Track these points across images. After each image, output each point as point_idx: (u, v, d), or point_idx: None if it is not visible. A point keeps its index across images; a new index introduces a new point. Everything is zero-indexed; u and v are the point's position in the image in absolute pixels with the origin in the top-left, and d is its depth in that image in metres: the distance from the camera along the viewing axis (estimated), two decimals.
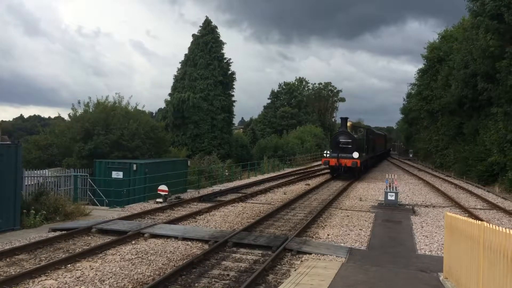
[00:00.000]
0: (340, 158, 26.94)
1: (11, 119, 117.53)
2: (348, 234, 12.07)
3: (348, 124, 29.55)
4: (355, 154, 26.65)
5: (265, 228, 12.68)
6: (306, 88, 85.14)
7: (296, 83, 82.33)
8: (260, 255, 9.74)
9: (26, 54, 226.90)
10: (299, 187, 23.95)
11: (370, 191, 22.50)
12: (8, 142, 13.77)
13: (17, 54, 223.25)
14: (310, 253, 9.75)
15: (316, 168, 38.66)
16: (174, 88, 47.46)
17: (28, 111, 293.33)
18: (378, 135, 43.67)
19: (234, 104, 49.59)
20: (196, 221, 13.59)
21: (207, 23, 48.12)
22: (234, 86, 49.83)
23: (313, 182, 26.95)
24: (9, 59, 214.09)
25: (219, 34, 48.37)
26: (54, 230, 11.71)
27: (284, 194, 20.84)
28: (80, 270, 8.26)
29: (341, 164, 26.95)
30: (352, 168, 26.98)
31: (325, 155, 28.13)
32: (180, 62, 48.50)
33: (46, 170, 19.17)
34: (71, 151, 23.49)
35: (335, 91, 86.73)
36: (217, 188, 22.98)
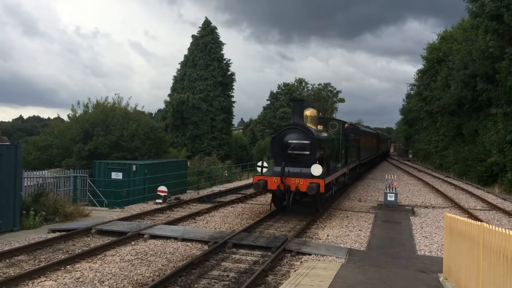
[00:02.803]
0: (287, 177, 13.54)
1: (10, 120, 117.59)
2: (348, 235, 12.07)
3: (308, 113, 16.08)
4: (316, 169, 13.43)
5: (264, 229, 12.67)
6: (305, 89, 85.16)
7: (296, 84, 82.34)
8: (259, 256, 9.73)
9: (24, 54, 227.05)
10: None
11: (370, 192, 22.49)
12: (7, 143, 13.75)
13: (15, 54, 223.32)
14: (310, 254, 9.75)
15: None
16: (173, 89, 47.51)
17: (27, 112, 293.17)
18: (366, 134, 31.08)
19: (233, 105, 49.65)
20: (195, 222, 13.59)
21: (207, 23, 48.17)
22: (233, 87, 49.89)
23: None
24: (8, 59, 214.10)
25: (218, 35, 48.46)
26: (54, 231, 11.70)
27: None
28: (79, 271, 8.25)
29: (289, 188, 13.47)
30: (311, 196, 13.95)
31: (258, 169, 14.72)
32: (179, 63, 48.57)
33: (46, 171, 19.17)
34: (71, 152, 23.50)
35: (334, 91, 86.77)
36: (216, 189, 22.97)
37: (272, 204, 15.22)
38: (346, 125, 19.44)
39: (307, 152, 14.05)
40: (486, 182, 28.12)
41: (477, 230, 6.08)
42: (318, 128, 16.36)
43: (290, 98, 19.76)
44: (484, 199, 20.45)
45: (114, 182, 19.45)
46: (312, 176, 13.36)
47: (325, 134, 16.29)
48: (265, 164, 14.46)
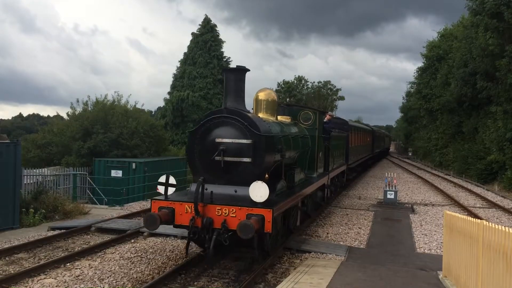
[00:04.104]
0: (209, 203, 7.58)
1: (9, 118, 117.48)
2: (347, 233, 12.07)
3: (263, 95, 10.12)
4: (258, 190, 7.50)
5: None
6: (305, 87, 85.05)
7: (295, 81, 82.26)
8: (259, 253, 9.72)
9: (23, 52, 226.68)
10: None
11: (369, 190, 22.50)
12: (7, 141, 13.75)
13: (13, 52, 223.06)
14: (310, 252, 9.75)
15: None
16: (173, 86, 47.49)
17: (26, 110, 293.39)
18: (357, 130, 25.18)
19: None
20: None
21: (207, 21, 48.13)
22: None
23: None
24: (6, 57, 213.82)
25: (218, 33, 48.41)
26: (53, 229, 11.71)
27: None
28: (79, 268, 8.26)
29: (212, 223, 7.51)
30: (252, 237, 7.11)
31: (160, 189, 8.28)
32: (179, 61, 48.55)
33: (45, 169, 19.16)
34: (70, 149, 23.50)
35: (334, 89, 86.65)
36: None
37: (192, 244, 9.21)
38: (326, 116, 14.59)
39: (247, 160, 8.02)
40: (486, 180, 28.13)
41: (476, 228, 6.08)
42: (281, 120, 10.94)
43: (223, 69, 9.55)
44: (484, 197, 20.47)
45: (113, 180, 19.45)
46: (251, 205, 7.47)
47: (293, 129, 11.02)
48: (172, 180, 8.20)
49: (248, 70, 8.94)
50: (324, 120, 13.83)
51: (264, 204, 7.50)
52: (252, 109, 10.01)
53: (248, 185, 7.65)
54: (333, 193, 16.63)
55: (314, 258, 9.28)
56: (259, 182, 7.56)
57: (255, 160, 8.08)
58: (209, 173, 8.20)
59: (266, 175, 8.18)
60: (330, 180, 14.49)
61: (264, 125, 8.66)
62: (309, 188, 10.96)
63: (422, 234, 12.26)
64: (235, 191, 8.14)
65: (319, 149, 12.76)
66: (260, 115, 9.69)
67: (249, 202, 7.56)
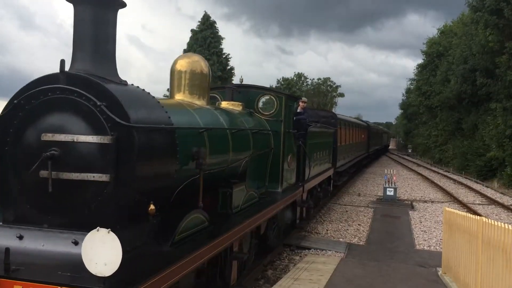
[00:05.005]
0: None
1: None
2: (347, 230, 12.10)
3: (183, 64, 6.11)
4: (96, 247, 3.14)
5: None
6: (305, 84, 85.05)
7: (295, 78, 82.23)
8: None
9: (22, 49, 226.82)
10: None
11: (369, 187, 22.52)
12: None
13: (13, 49, 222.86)
14: (309, 248, 9.78)
15: None
16: None
17: None
18: (348, 125, 21.11)
19: None
20: None
21: (206, 18, 48.08)
22: (233, 82, 49.84)
23: None
24: (5, 54, 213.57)
25: (218, 29, 48.38)
26: None
27: None
28: None
29: None
30: None
31: None
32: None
33: None
34: None
35: (334, 86, 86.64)
36: None
37: None
38: (300, 104, 10.87)
39: (103, 177, 3.81)
40: (485, 176, 28.15)
41: (476, 225, 6.09)
42: (226, 107, 7.55)
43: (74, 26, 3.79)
44: (483, 194, 20.49)
45: None
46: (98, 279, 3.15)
47: (249, 122, 7.49)
48: None
49: (125, 5, 4.39)
50: (298, 110, 10.41)
51: (113, 282, 3.25)
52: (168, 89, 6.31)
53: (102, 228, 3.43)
54: (312, 209, 11.83)
55: (314, 255, 9.30)
56: (101, 231, 3.28)
57: (120, 176, 3.87)
58: (29, 203, 4.04)
59: (151, 206, 4.15)
60: (307, 193, 10.78)
61: (148, 106, 4.46)
62: (264, 213, 6.88)
63: (422, 230, 12.28)
64: (75, 243, 3.70)
65: (287, 151, 8.71)
66: (179, 96, 6.13)
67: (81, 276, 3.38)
